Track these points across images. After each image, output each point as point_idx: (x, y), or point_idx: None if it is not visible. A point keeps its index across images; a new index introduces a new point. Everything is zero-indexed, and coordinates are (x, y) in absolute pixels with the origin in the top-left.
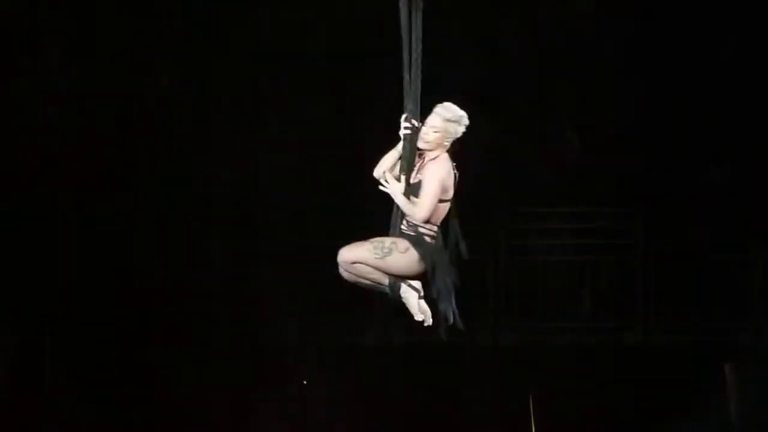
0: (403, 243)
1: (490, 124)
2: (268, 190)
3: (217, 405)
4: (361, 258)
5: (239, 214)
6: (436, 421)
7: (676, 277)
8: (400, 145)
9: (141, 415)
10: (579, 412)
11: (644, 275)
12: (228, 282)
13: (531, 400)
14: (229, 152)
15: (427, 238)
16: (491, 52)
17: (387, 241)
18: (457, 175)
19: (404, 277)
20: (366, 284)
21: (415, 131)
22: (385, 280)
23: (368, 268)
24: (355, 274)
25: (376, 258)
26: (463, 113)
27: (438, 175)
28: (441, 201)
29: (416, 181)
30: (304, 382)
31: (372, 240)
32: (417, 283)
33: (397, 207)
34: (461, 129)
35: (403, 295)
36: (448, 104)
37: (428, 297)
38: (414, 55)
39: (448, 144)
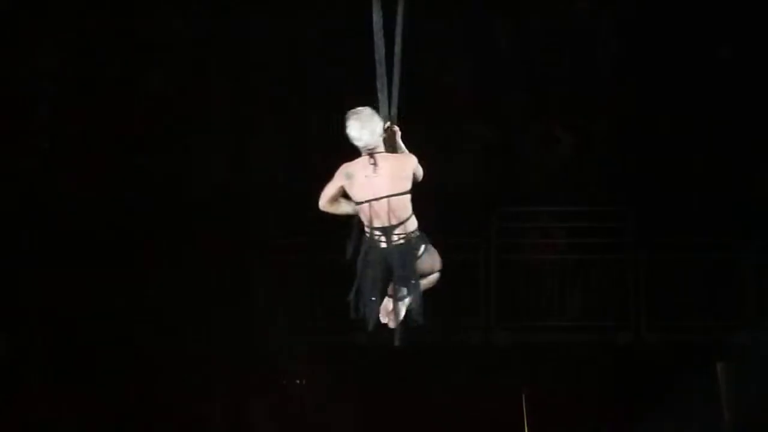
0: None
1: (481, 124)
2: (259, 190)
3: (212, 405)
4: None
5: (231, 215)
6: (428, 421)
7: (668, 277)
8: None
9: (141, 414)
10: (571, 412)
11: (636, 274)
12: (223, 282)
13: (524, 400)
14: (224, 154)
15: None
16: (482, 52)
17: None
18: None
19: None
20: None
21: (391, 134)
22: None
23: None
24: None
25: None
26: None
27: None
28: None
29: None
30: (298, 382)
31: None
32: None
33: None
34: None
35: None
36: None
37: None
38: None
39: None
